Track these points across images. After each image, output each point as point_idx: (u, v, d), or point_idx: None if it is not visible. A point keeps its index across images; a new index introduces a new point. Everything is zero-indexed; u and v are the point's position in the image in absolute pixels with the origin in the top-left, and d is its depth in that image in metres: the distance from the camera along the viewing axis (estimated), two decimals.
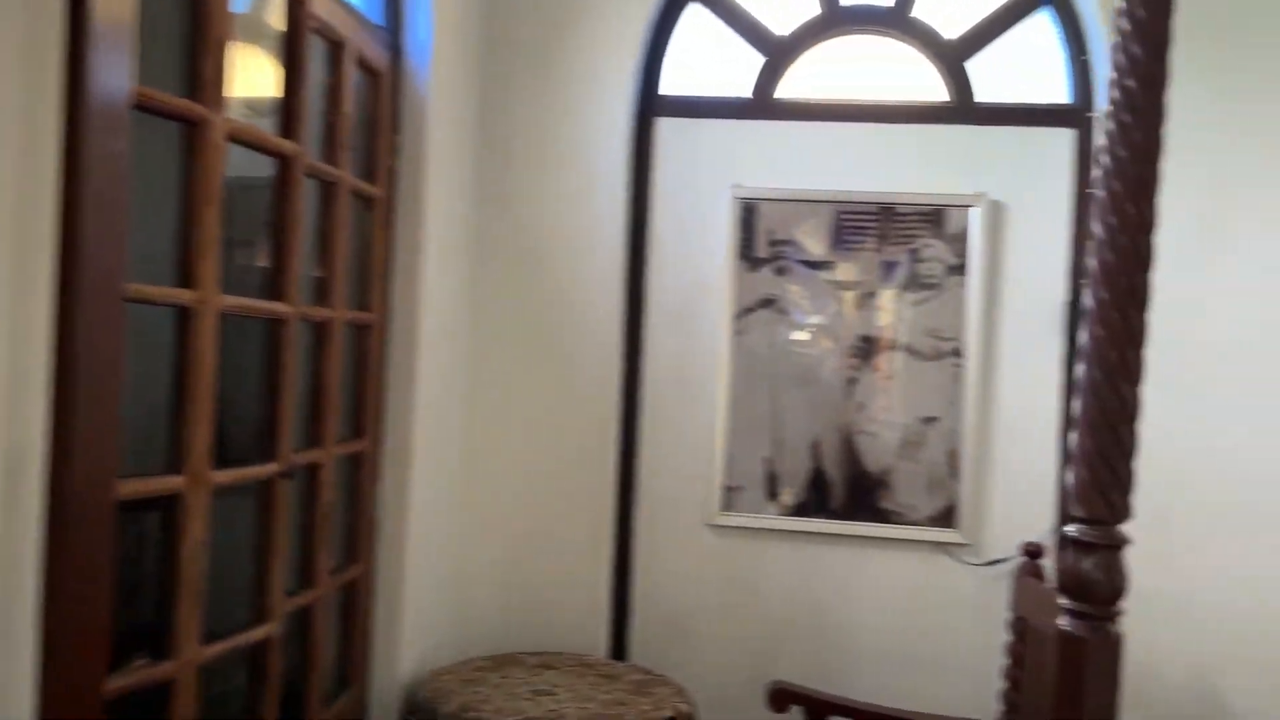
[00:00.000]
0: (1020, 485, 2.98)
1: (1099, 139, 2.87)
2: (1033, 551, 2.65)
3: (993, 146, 3.00)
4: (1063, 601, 1.35)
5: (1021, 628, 2.58)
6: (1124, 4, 1.31)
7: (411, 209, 2.63)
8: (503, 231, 3.06)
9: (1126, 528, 1.30)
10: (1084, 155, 2.96)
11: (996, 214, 2.98)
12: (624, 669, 2.80)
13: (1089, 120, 2.95)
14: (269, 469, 2.02)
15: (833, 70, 3.12)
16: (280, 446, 2.04)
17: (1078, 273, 2.96)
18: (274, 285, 2.04)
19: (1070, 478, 1.33)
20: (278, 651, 2.06)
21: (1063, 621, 1.34)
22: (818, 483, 3.04)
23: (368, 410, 2.52)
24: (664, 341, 3.11)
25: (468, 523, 3.03)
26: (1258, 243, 2.82)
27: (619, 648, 3.10)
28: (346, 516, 2.49)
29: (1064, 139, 2.98)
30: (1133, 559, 1.29)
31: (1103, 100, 2.87)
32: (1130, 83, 1.28)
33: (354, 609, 2.51)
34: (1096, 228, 1.31)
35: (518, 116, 3.06)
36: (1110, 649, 1.30)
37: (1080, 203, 2.96)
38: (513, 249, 3.06)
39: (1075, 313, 2.93)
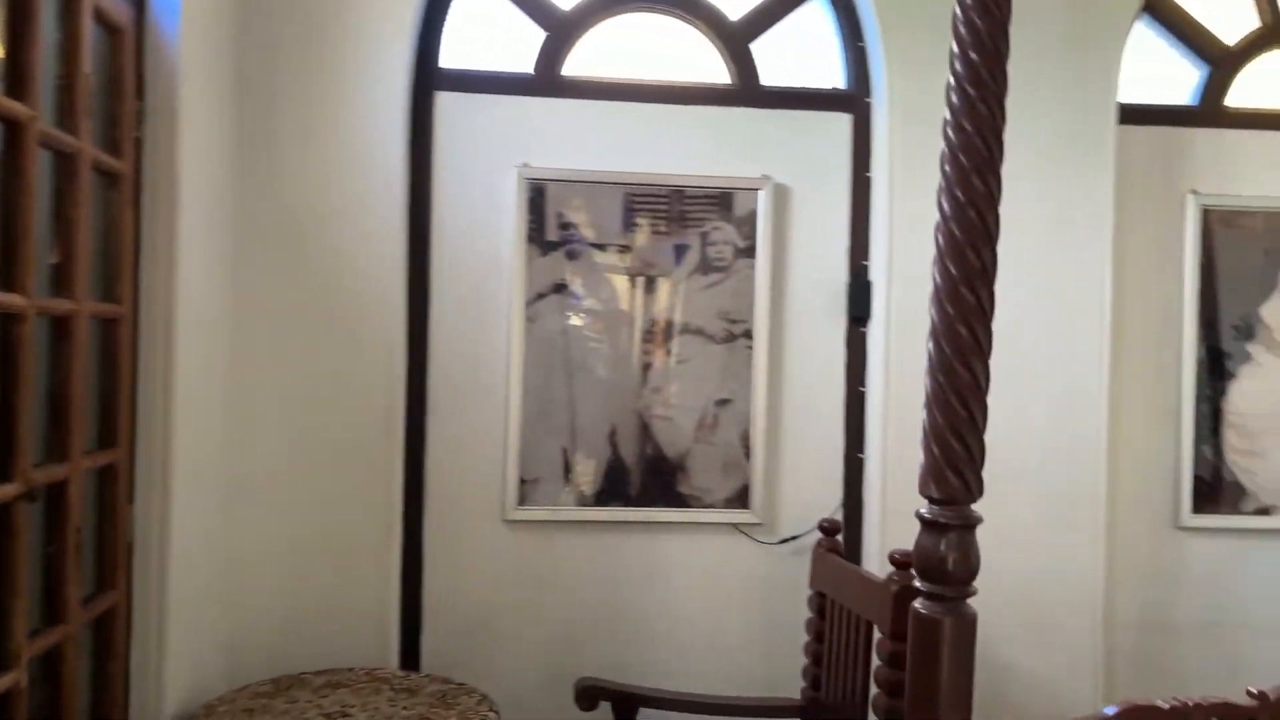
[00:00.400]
0: (809, 463, 3.05)
1: (877, 124, 2.98)
2: (829, 528, 2.70)
3: (776, 130, 3.03)
4: (919, 584, 1.33)
5: (821, 603, 2.63)
6: None
7: (162, 186, 2.32)
8: (267, 212, 2.77)
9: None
10: (861, 140, 3.04)
11: (781, 197, 3.01)
12: (421, 680, 2.62)
13: (866, 105, 3.03)
14: (6, 491, 1.70)
15: (618, 49, 3.05)
16: (19, 463, 1.73)
17: (857, 254, 3.04)
18: (4, 274, 1.72)
19: (920, 458, 1.32)
20: (23, 703, 1.75)
21: (918, 603, 1.33)
22: (615, 470, 2.98)
23: (119, 416, 2.21)
24: (452, 328, 2.94)
25: (237, 534, 2.73)
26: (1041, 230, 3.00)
27: (412, 657, 2.91)
28: (98, 537, 2.17)
29: (843, 123, 3.05)
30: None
31: (879, 86, 2.97)
32: (974, 55, 1.27)
33: (110, 643, 2.20)
34: (943, 203, 1.30)
35: (282, 85, 2.78)
36: (966, 629, 1.30)
37: (858, 186, 3.05)
38: (279, 231, 2.78)
39: (857, 293, 3.02)
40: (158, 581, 2.31)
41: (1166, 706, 1.33)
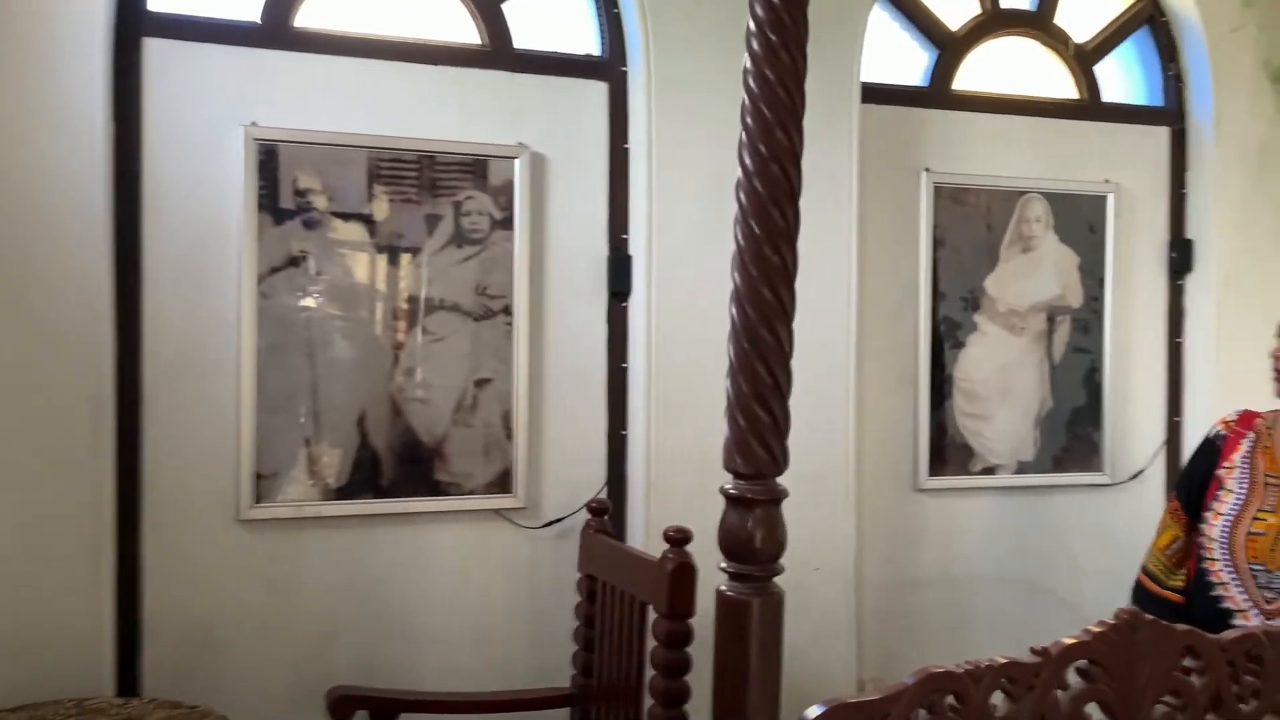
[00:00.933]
0: (573, 443, 2.95)
1: (634, 93, 2.90)
2: (598, 508, 2.62)
3: (531, 96, 2.89)
4: (724, 565, 1.26)
5: (592, 586, 2.54)
6: None
7: None
8: None
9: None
10: (618, 109, 2.96)
11: (539, 166, 2.88)
12: (145, 707, 2.30)
13: (623, 74, 2.95)
14: None
15: (360, 2, 2.80)
16: None
17: (617, 227, 2.97)
18: None
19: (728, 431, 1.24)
20: None
21: (724, 585, 1.25)
22: (365, 459, 2.75)
23: None
24: (170, 307, 2.59)
25: None
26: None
27: (130, 681, 2.56)
28: None
29: (599, 92, 2.96)
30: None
31: (634, 55, 2.90)
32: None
33: None
34: (745, 158, 1.22)
35: None
36: (774, 608, 1.24)
37: (616, 157, 2.97)
38: None
39: (617, 268, 2.94)
40: None
41: (962, 671, 1.32)
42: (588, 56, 2.98)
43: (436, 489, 2.80)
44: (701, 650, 2.18)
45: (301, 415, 2.68)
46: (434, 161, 2.78)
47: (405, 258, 2.77)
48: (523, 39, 2.91)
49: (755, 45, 1.20)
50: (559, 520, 2.90)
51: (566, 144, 2.92)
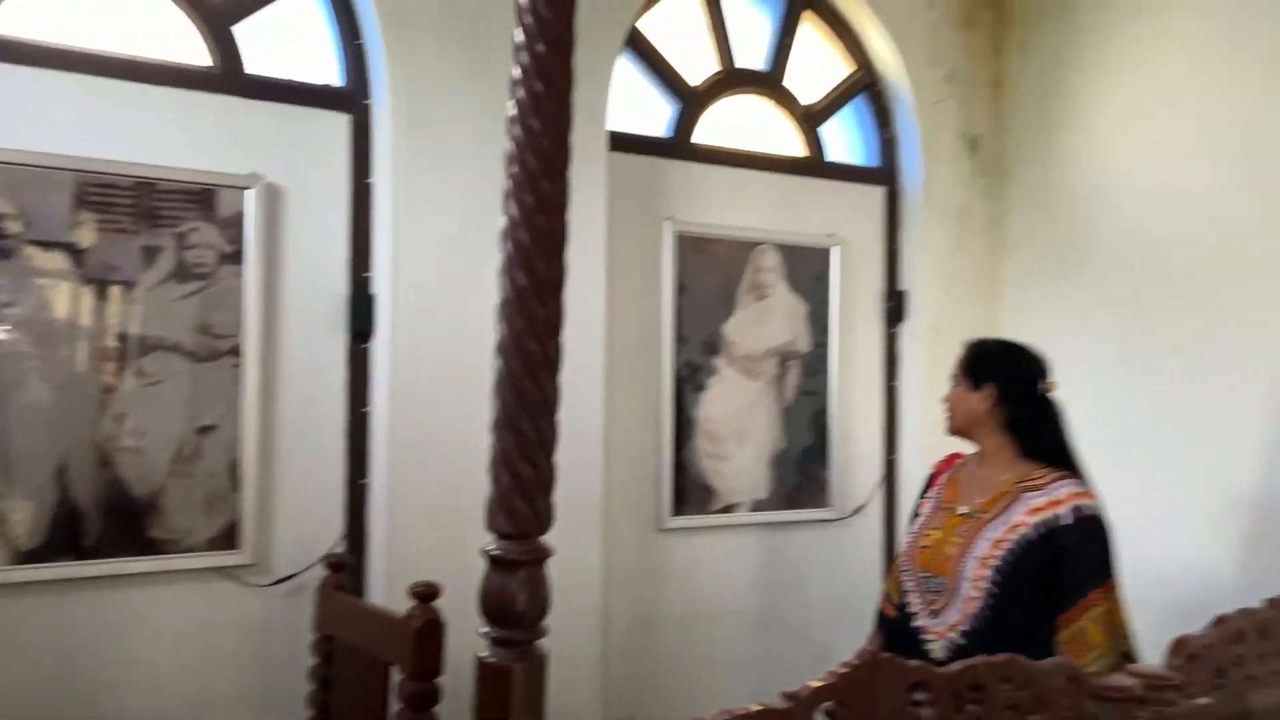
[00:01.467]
0: (308, 493, 2.77)
1: (379, 127, 2.80)
2: (336, 564, 2.47)
3: (266, 125, 2.73)
4: (485, 630, 1.20)
5: (328, 647, 2.39)
6: None
7: None
8: None
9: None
10: (361, 143, 2.84)
11: (274, 198, 2.71)
12: None
13: (366, 108, 2.84)
14: None
15: (69, 10, 2.53)
16: None
17: (359, 264, 2.84)
18: None
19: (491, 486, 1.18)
20: None
21: (485, 651, 1.19)
22: (65, 516, 2.45)
23: None
24: None
25: None
26: None
27: None
28: None
29: (340, 123, 2.83)
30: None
31: (379, 88, 2.80)
32: (541, 48, 1.17)
33: None
34: (510, 208, 1.18)
35: None
36: (538, 673, 1.19)
37: (358, 192, 2.84)
38: None
39: (359, 307, 2.81)
40: None
41: None
42: (328, 87, 2.84)
43: (150, 547, 2.54)
44: (450, 713, 2.10)
45: None
46: (153, 189, 2.55)
47: (116, 291, 2.51)
48: (257, 64, 2.74)
49: (521, 94, 1.17)
50: (292, 577, 2.71)
51: (305, 176, 2.77)
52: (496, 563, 1.16)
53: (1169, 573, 3.11)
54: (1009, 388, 2.32)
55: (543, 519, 1.17)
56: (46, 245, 2.43)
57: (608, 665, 3.16)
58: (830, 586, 3.61)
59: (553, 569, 2.94)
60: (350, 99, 2.85)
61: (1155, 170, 3.36)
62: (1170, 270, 3.29)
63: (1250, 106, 3.08)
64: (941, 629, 2.28)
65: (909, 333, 3.77)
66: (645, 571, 3.31)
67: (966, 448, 2.44)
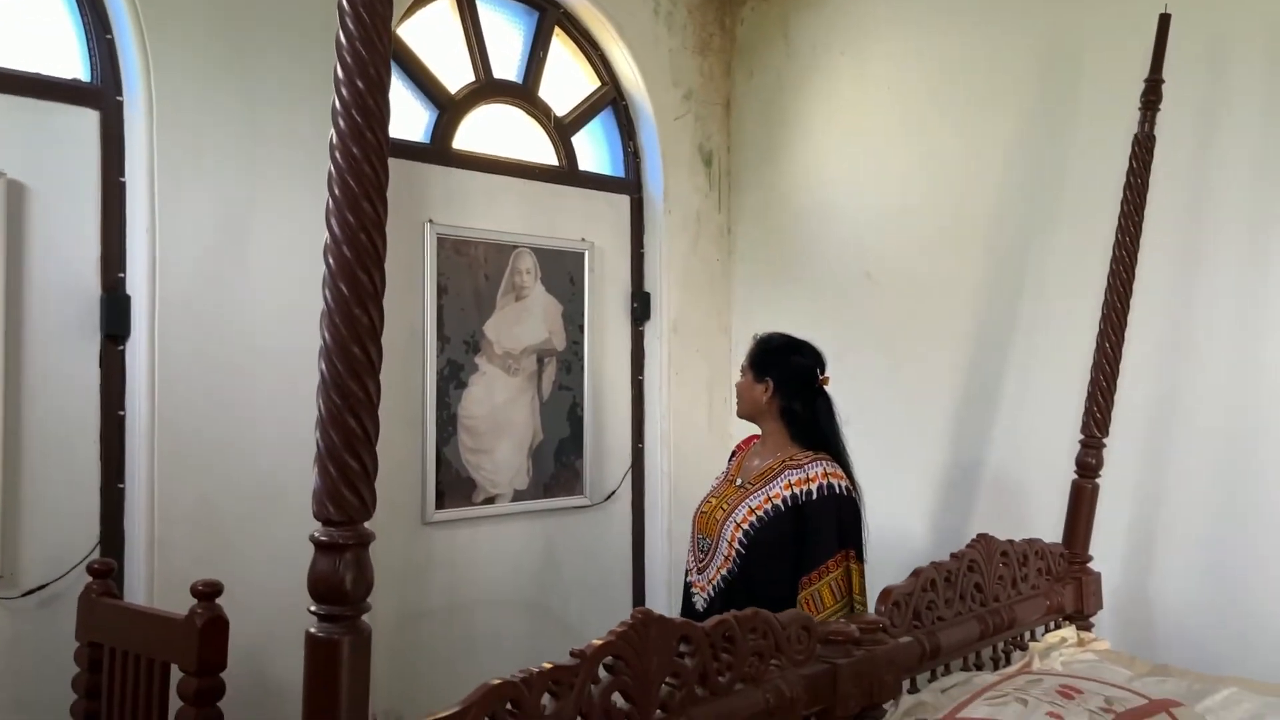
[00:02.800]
0: (58, 500, 2.68)
1: (132, 125, 2.75)
2: (100, 570, 2.43)
3: (8, 119, 2.61)
4: (313, 608, 1.32)
5: (95, 654, 2.35)
6: (345, 3, 1.31)
7: None
8: None
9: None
10: (112, 140, 2.77)
11: (16, 195, 2.60)
12: None
13: (118, 104, 2.77)
14: None
15: None
16: None
17: (112, 265, 2.77)
18: None
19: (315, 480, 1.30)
20: None
21: (314, 628, 1.31)
22: None
23: None
24: None
25: None
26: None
27: None
28: None
29: (90, 120, 2.75)
30: None
31: (133, 85, 2.75)
32: (360, 83, 1.30)
33: None
34: (333, 226, 1.31)
35: None
36: (363, 645, 1.33)
37: (109, 190, 2.77)
38: None
39: (112, 308, 2.74)
40: None
41: (518, 680, 1.52)
42: (75, 82, 2.75)
43: None
44: (232, 705, 2.15)
45: None
46: None
47: None
48: None
49: (342, 123, 1.29)
50: (44, 587, 2.62)
51: (50, 173, 2.67)
52: (324, 547, 1.28)
53: (880, 537, 3.58)
54: (786, 381, 2.63)
55: (367, 506, 1.30)
56: None
57: (376, 659, 3.22)
58: (585, 569, 3.87)
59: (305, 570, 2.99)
60: (99, 95, 2.77)
61: (863, 188, 3.85)
62: (876, 278, 3.78)
63: (944, 135, 3.61)
64: (703, 583, 2.62)
65: (652, 331, 4.09)
66: (410, 566, 3.42)
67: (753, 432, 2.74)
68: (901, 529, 3.63)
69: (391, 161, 3.27)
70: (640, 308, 4.06)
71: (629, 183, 4.09)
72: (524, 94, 3.79)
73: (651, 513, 4.10)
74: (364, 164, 1.29)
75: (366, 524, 1.33)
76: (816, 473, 2.54)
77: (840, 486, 2.53)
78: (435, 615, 3.47)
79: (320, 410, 1.29)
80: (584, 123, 3.98)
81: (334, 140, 1.30)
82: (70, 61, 2.77)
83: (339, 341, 1.28)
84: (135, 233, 2.77)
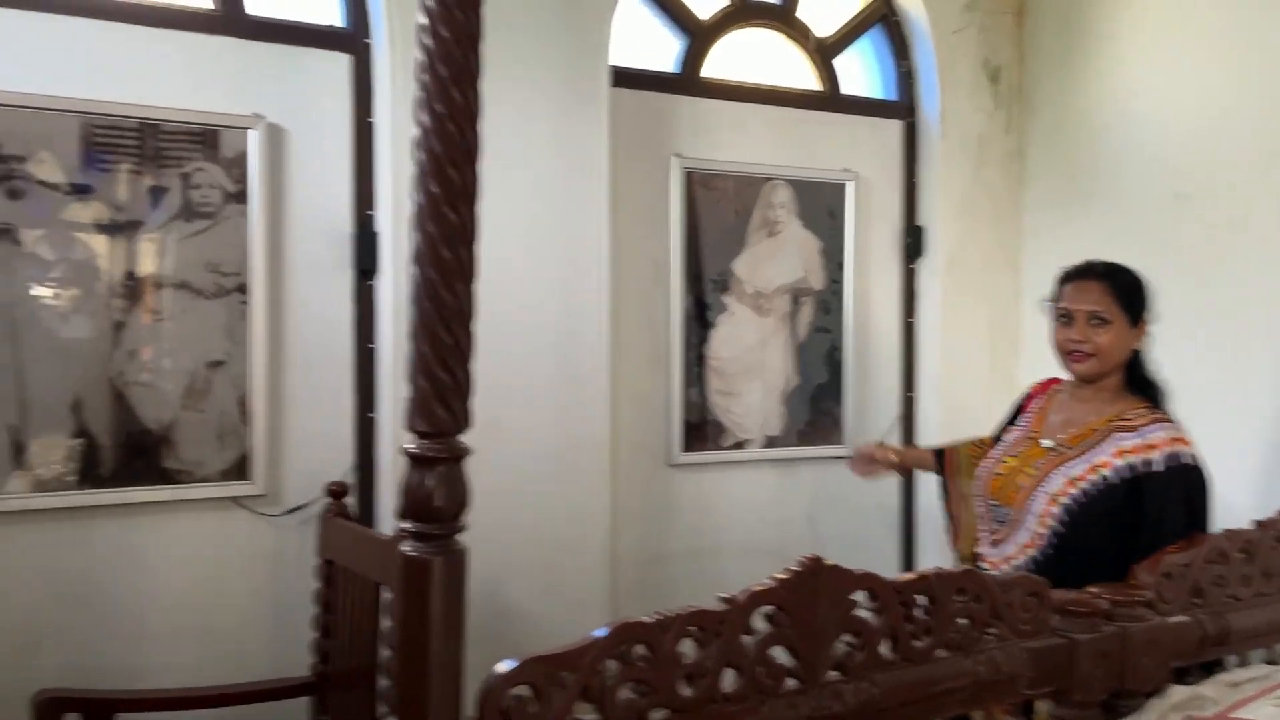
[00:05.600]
0: (317, 427, 2.85)
1: (378, 67, 2.83)
2: (337, 491, 2.55)
3: (268, 65, 2.77)
4: (404, 525, 1.24)
5: (330, 571, 2.48)
6: None
7: None
8: None
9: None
10: (363, 83, 2.88)
11: (276, 138, 2.77)
12: None
13: (366, 47, 2.88)
14: None
15: None
16: None
17: (363, 203, 2.89)
18: None
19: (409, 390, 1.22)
20: None
21: (406, 546, 1.24)
22: (82, 448, 2.56)
23: None
24: None
25: None
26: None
27: None
28: None
29: (341, 64, 2.87)
30: None
31: (378, 27, 2.83)
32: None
33: None
34: (421, 117, 1.21)
35: None
36: (456, 567, 1.24)
37: (360, 132, 2.89)
38: None
39: (363, 245, 2.87)
40: None
41: (652, 621, 1.37)
42: (330, 27, 2.88)
43: (165, 477, 2.64)
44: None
45: (6, 402, 2.47)
46: (158, 130, 2.62)
47: (127, 231, 2.59)
48: (258, 5, 2.78)
49: (430, 2, 1.19)
50: (302, 507, 2.80)
51: (307, 116, 2.82)
52: (415, 460, 1.20)
53: None
54: (1147, 321, 2.22)
55: (459, 420, 1.21)
56: (59, 186, 2.51)
57: (617, 601, 3.21)
58: (844, 524, 3.62)
59: (560, 507, 2.99)
60: (351, 39, 2.88)
61: (1177, 98, 3.26)
62: (1190, 199, 3.20)
63: (1274, 32, 2.97)
64: (997, 559, 2.23)
65: (926, 268, 3.73)
66: (654, 508, 3.36)
67: (1053, 373, 2.38)
68: (1220, 497, 3.07)
69: (636, 94, 3.22)
70: (912, 243, 3.72)
71: (900, 106, 3.74)
72: (781, 15, 3.55)
73: None
74: (453, 46, 1.17)
75: (461, 438, 1.22)
76: (1158, 438, 2.11)
77: (1187, 455, 2.11)
78: (679, 559, 3.39)
79: (413, 319, 1.20)
80: (849, 43, 3.68)
81: (423, 22, 1.20)
82: (325, 7, 2.90)
83: (430, 244, 1.18)
84: (382, 172, 2.87)
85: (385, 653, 2.14)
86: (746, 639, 1.44)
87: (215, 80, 2.70)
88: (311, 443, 2.84)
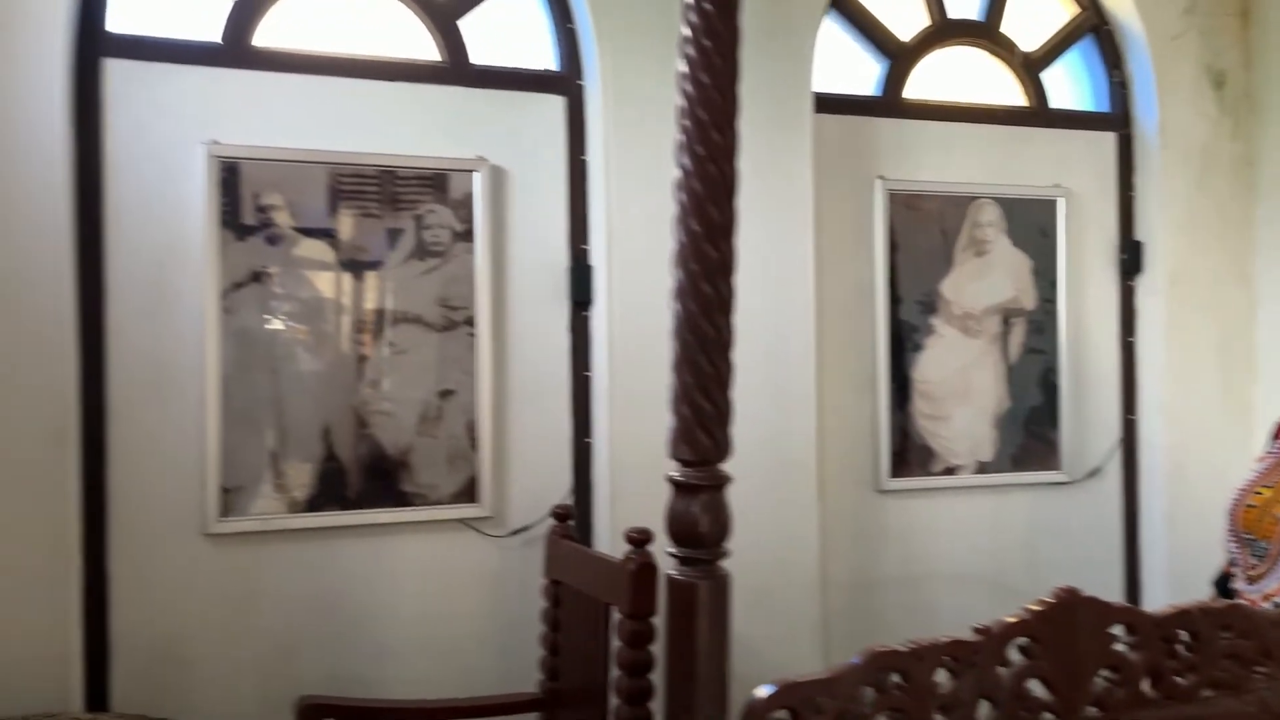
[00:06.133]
0: (537, 451, 2.98)
1: (591, 107, 2.96)
2: (561, 514, 2.65)
3: (489, 110, 2.94)
4: (671, 549, 1.30)
5: (557, 591, 2.58)
6: None
7: None
8: None
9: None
10: (576, 122, 3.01)
11: (498, 179, 2.93)
12: None
13: (579, 88, 3.01)
14: None
15: (317, 19, 2.84)
16: None
17: (577, 238, 3.01)
18: None
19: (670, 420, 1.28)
20: None
21: (672, 569, 1.29)
22: (331, 472, 2.77)
23: None
24: (134, 324, 2.61)
25: None
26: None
27: (99, 697, 2.56)
28: None
29: (556, 106, 3.01)
30: None
31: (591, 69, 2.95)
32: (708, 5, 1.24)
33: None
34: (682, 159, 1.27)
35: None
36: (720, 590, 1.28)
37: (574, 169, 3.02)
38: None
39: (578, 277, 2.99)
40: None
41: (907, 650, 1.38)
42: (545, 71, 3.03)
43: (402, 500, 2.82)
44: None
45: (266, 429, 2.70)
46: (394, 176, 2.82)
47: (368, 271, 2.80)
48: (480, 55, 2.96)
49: (690, 51, 1.25)
50: (526, 529, 2.93)
51: (525, 157, 2.97)
52: (680, 488, 1.26)
53: None
54: None
55: (721, 448, 1.25)
56: (309, 232, 2.74)
57: (828, 625, 3.20)
58: (1063, 552, 3.49)
59: (769, 530, 3.01)
60: (565, 81, 3.02)
61: None
62: None
63: None
64: (1255, 597, 2.14)
65: (1146, 285, 3.56)
66: (864, 533, 3.33)
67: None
68: None
69: (838, 118, 3.24)
70: (1130, 259, 3.56)
71: (1114, 118, 3.59)
72: (985, 32, 3.49)
73: (1148, 494, 3.58)
74: (713, 91, 1.23)
75: (723, 466, 1.27)
76: None
77: None
78: (890, 585, 3.34)
79: (674, 350, 1.26)
80: (1056, 56, 3.57)
81: (684, 70, 1.26)
82: (541, 53, 3.05)
83: (690, 279, 1.24)
84: (596, 208, 2.98)
85: (616, 672, 2.21)
86: (1002, 670, 1.42)
87: (443, 127, 2.89)
88: (532, 467, 2.97)
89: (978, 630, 1.44)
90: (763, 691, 1.29)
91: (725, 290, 1.25)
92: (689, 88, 1.25)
